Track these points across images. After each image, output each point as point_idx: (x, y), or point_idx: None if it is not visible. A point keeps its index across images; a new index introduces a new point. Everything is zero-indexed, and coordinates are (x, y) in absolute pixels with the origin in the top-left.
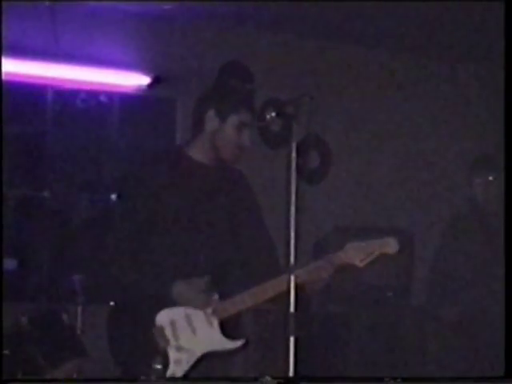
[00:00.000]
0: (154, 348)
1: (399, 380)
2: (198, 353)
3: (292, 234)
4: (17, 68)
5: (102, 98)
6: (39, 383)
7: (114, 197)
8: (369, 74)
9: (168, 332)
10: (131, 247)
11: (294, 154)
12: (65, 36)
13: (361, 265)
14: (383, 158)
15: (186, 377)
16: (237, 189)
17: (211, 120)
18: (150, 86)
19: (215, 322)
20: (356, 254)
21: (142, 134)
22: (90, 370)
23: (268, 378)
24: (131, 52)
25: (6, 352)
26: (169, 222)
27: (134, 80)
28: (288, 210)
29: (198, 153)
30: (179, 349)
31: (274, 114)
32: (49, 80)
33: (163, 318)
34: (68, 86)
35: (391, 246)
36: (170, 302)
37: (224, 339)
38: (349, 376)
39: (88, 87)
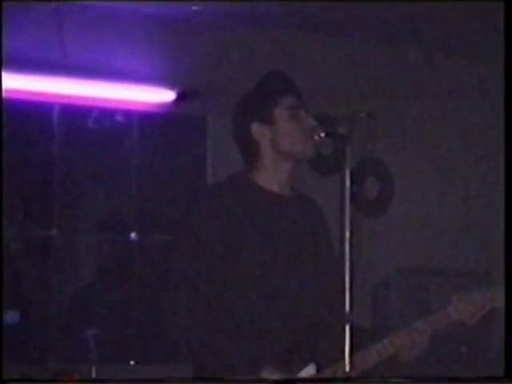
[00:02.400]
0: None
1: (398, 380)
2: None
3: (347, 277)
4: (15, 83)
5: (119, 118)
6: (39, 383)
7: (134, 236)
8: (440, 84)
9: None
10: (199, 299)
11: (347, 182)
12: (73, 44)
13: (471, 322)
14: (455, 187)
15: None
16: (316, 225)
17: (259, 130)
18: (175, 102)
19: None
20: (466, 308)
21: (167, 159)
22: None
23: None
24: (152, 63)
25: None
26: (243, 267)
27: (156, 96)
28: (341, 248)
29: (267, 176)
30: None
31: (323, 134)
32: (54, 97)
33: None
34: (77, 103)
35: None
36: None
37: None
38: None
39: (101, 105)
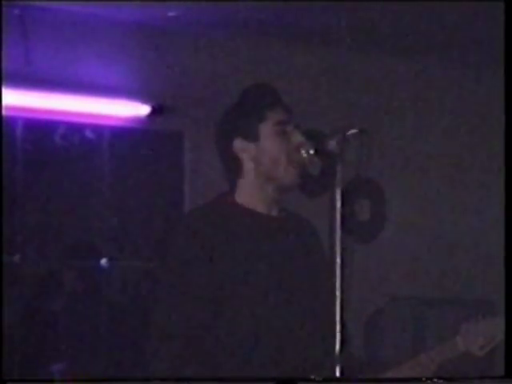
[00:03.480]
0: None
1: (398, 380)
2: None
3: (337, 307)
4: None
5: (88, 134)
6: (39, 383)
7: (104, 262)
8: (437, 98)
9: None
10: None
11: (338, 204)
12: (38, 53)
13: (481, 353)
14: (453, 210)
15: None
16: (307, 246)
17: (242, 146)
18: (149, 116)
19: None
20: (475, 339)
21: (141, 178)
22: None
23: None
24: (125, 74)
25: None
26: (227, 292)
27: (130, 110)
28: (331, 275)
29: (250, 197)
30: None
31: (312, 152)
32: (18, 110)
33: None
34: (43, 117)
35: None
36: None
37: None
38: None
39: (69, 119)
